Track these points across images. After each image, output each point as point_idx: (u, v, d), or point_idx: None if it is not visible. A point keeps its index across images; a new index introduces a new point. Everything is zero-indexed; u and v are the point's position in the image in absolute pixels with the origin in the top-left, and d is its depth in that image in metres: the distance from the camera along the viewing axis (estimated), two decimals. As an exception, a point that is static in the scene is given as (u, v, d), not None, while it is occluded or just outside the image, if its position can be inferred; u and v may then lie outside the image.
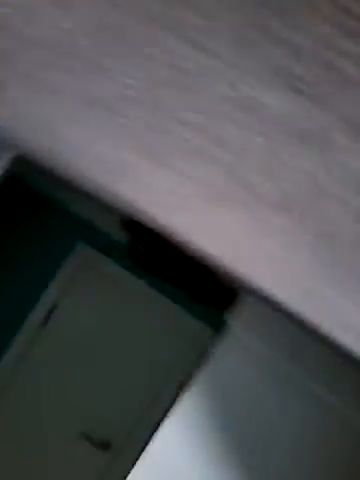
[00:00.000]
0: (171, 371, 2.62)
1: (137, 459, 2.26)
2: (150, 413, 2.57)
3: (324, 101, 0.33)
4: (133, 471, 1.83)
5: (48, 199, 2.81)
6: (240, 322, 1.68)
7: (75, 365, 2.68)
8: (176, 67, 0.38)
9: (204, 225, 0.90)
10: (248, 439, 1.69)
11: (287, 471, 1.77)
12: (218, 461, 1.74)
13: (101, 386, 2.64)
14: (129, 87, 0.48)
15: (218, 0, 0.26)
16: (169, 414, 1.82)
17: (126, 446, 2.54)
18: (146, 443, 2.25)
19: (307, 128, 0.36)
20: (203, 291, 2.16)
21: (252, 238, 0.73)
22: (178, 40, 0.34)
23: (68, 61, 0.51)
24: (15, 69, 0.65)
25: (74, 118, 0.72)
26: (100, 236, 2.73)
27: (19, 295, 2.75)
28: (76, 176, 1.71)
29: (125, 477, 2.49)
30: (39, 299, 2.72)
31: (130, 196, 1.26)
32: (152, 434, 2.21)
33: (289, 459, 1.76)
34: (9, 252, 2.80)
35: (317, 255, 0.60)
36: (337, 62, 0.28)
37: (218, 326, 2.37)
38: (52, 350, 2.70)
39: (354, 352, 1.56)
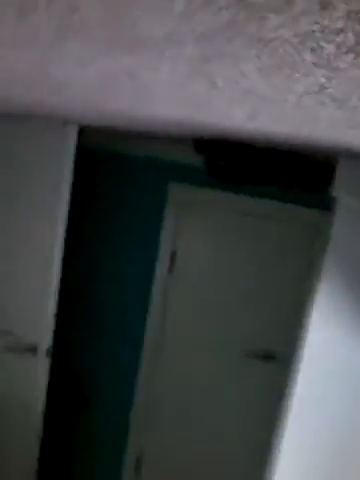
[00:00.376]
0: (300, 267, 2.56)
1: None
2: (300, 315, 2.57)
3: None
4: (298, 372, 1.86)
5: (120, 156, 2.85)
6: (345, 191, 1.55)
7: (212, 295, 2.76)
8: None
9: (269, 108, 0.82)
10: None
11: None
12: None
13: (244, 307, 2.70)
14: None
15: None
16: (311, 310, 1.78)
17: (287, 354, 2.60)
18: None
19: None
20: (299, 179, 2.02)
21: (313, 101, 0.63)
22: None
23: None
24: None
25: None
26: (184, 169, 2.71)
27: (137, 253, 2.89)
28: (139, 124, 1.69)
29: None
30: (157, 251, 2.83)
31: (195, 119, 1.20)
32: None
33: None
34: (111, 218, 2.93)
35: None
36: None
37: (326, 206, 2.23)
38: (186, 290, 2.81)
39: None
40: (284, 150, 1.87)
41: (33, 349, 2.36)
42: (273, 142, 1.56)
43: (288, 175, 2.02)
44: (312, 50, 0.44)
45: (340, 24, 0.37)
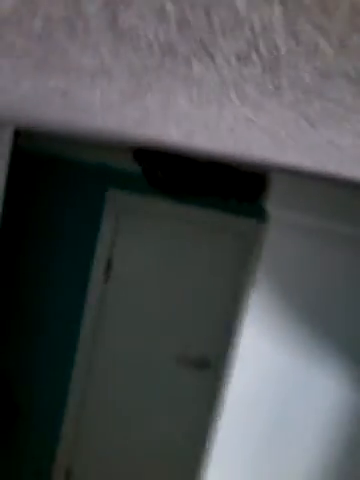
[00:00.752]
0: (235, 275, 2.63)
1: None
2: (232, 319, 2.64)
3: None
4: (228, 381, 1.91)
5: (59, 160, 2.79)
6: (276, 203, 1.61)
7: (148, 303, 2.77)
8: None
9: (203, 131, 0.83)
10: (325, 310, 1.67)
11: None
12: (302, 344, 1.76)
13: (180, 315, 2.73)
14: None
15: None
16: (244, 317, 1.84)
17: (221, 361, 2.66)
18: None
19: None
20: (235, 190, 2.08)
21: (247, 124, 0.66)
22: None
23: None
24: None
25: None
26: (120, 176, 2.70)
27: (73, 259, 2.84)
28: (80, 131, 1.66)
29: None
30: (92, 258, 2.80)
31: (131, 133, 1.20)
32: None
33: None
34: (47, 223, 2.86)
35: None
36: None
37: (261, 216, 2.31)
38: (122, 298, 2.80)
39: None
40: (221, 162, 1.91)
41: None
42: (210, 156, 1.60)
43: (224, 186, 2.07)
44: (236, 92, 0.46)
45: (258, 73, 0.39)
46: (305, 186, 1.54)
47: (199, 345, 2.72)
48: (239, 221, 2.53)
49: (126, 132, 1.29)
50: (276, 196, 1.60)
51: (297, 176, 1.60)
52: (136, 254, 2.78)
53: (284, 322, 1.78)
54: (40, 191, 2.87)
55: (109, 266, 2.80)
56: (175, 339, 2.75)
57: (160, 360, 2.78)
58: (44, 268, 2.90)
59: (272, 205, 1.61)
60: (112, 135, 1.54)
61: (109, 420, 2.90)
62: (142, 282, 2.78)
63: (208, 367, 2.71)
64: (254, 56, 0.33)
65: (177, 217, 2.66)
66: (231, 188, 2.06)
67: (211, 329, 2.70)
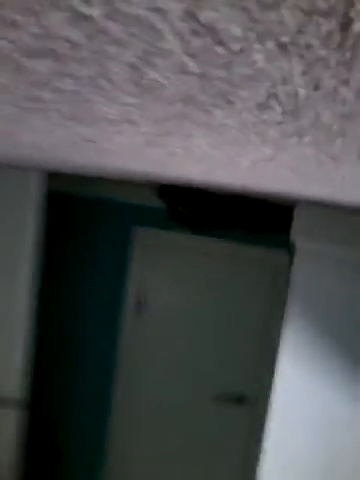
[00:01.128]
0: (267, 308, 2.60)
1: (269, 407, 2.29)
2: (268, 356, 2.59)
3: None
4: (269, 418, 1.85)
5: (85, 199, 2.86)
6: (301, 234, 1.60)
7: (181, 338, 2.74)
8: None
9: (224, 167, 0.85)
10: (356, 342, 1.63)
11: None
12: (341, 377, 1.70)
13: (214, 351, 2.69)
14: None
15: None
16: (279, 351, 1.80)
17: (259, 396, 2.60)
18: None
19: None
20: (260, 221, 2.08)
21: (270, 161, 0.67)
22: None
23: None
24: None
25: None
26: (146, 213, 2.74)
27: (104, 296, 2.86)
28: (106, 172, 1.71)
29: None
30: (123, 293, 2.81)
31: (154, 173, 1.23)
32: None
33: None
34: (78, 260, 2.90)
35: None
36: None
37: (288, 248, 2.30)
38: (155, 333, 2.79)
39: None
40: (244, 195, 1.93)
41: (2, 401, 2.27)
42: (232, 189, 1.61)
43: (249, 218, 2.07)
44: (257, 134, 0.48)
45: (278, 118, 0.40)
46: (331, 216, 1.54)
47: (234, 380, 2.67)
48: (269, 252, 2.52)
49: (149, 171, 1.32)
50: (301, 227, 1.59)
51: (323, 206, 1.60)
52: (166, 288, 2.78)
53: (321, 355, 1.73)
54: (69, 230, 2.93)
55: (140, 301, 2.81)
56: (209, 374, 2.71)
57: (196, 395, 2.73)
58: (79, 309, 2.93)
59: (298, 236, 1.61)
60: (135, 174, 1.58)
61: (147, 457, 2.84)
62: (174, 316, 2.77)
63: (244, 403, 2.64)
64: (274, 103, 0.34)
65: (205, 251, 2.67)
66: (256, 220, 2.07)
67: (246, 363, 2.65)
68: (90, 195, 2.87)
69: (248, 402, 2.64)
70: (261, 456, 1.90)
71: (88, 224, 2.89)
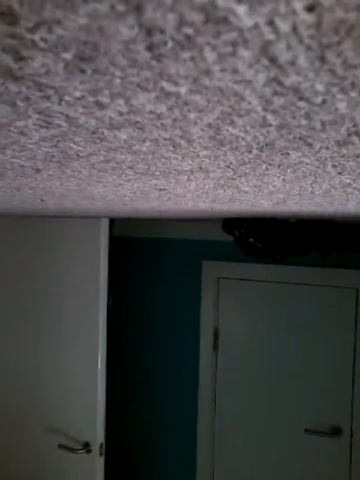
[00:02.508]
0: (352, 332, 2.47)
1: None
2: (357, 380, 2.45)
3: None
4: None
5: (151, 240, 2.93)
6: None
7: (262, 368, 2.67)
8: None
9: (296, 198, 0.85)
10: None
11: None
12: None
13: (303, 381, 2.59)
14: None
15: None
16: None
17: (355, 427, 2.45)
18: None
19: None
20: (331, 243, 2.02)
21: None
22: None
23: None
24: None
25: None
26: (213, 247, 2.75)
27: (180, 334, 2.86)
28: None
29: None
30: (199, 330, 2.80)
31: (222, 210, 1.25)
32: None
33: None
34: (151, 302, 2.95)
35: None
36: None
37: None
38: (234, 365, 2.73)
39: None
40: (313, 219, 1.89)
41: (86, 446, 2.31)
42: (301, 216, 1.59)
43: (321, 241, 2.02)
44: (334, 167, 0.47)
45: (359, 151, 0.39)
46: None
47: (328, 411, 2.54)
48: (348, 273, 2.43)
49: (216, 209, 1.33)
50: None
51: None
52: (242, 320, 2.74)
53: None
54: (138, 273, 3.00)
55: (216, 335, 2.79)
56: (301, 406, 2.60)
57: (285, 429, 2.63)
58: (154, 346, 2.96)
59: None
60: (201, 213, 1.60)
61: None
62: (252, 348, 2.71)
63: (340, 434, 2.50)
64: (355, 139, 0.34)
65: (277, 279, 2.62)
66: (329, 242, 2.01)
67: (340, 392, 2.52)
68: (156, 236, 2.93)
69: (344, 433, 2.49)
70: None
71: (156, 265, 2.95)
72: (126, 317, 3.04)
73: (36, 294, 2.49)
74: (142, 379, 2.99)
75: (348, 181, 0.58)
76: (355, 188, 0.66)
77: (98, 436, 2.30)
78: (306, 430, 2.54)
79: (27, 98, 0.28)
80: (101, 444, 2.31)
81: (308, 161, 0.44)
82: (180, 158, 0.47)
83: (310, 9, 0.16)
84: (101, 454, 2.32)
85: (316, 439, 2.55)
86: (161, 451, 2.93)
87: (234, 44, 0.19)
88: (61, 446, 2.36)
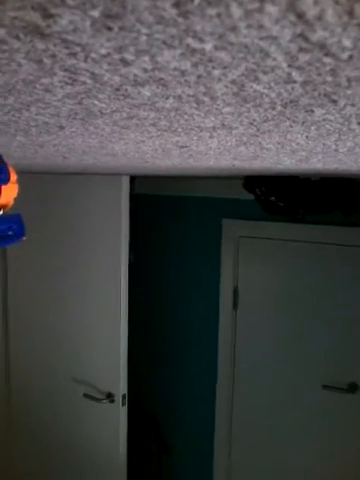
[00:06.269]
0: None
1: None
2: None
3: None
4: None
5: (171, 198, 2.93)
6: None
7: (282, 326, 2.71)
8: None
9: (319, 156, 0.84)
10: None
11: None
12: None
13: (321, 338, 2.62)
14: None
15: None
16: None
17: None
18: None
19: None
20: (353, 201, 1.99)
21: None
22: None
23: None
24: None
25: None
26: (234, 206, 2.74)
27: (201, 291, 2.91)
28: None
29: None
30: (219, 288, 2.84)
31: (244, 168, 1.24)
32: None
33: None
34: (172, 259, 2.99)
35: None
36: None
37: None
38: (254, 324, 2.78)
39: None
40: (335, 176, 1.86)
41: (110, 396, 2.42)
42: (323, 174, 1.56)
43: (343, 199, 1.99)
44: (359, 123, 0.46)
45: (385, 108, 0.39)
46: None
47: (346, 368, 2.58)
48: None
49: (237, 167, 1.32)
50: None
51: None
52: (263, 279, 2.76)
53: None
54: (159, 231, 3.03)
55: (236, 294, 2.82)
56: (318, 362, 2.64)
57: (304, 385, 2.69)
58: (174, 306, 3.02)
59: None
60: (223, 171, 1.59)
61: (257, 451, 2.86)
62: (272, 307, 2.74)
63: (357, 390, 2.55)
64: (380, 95, 0.34)
65: (298, 238, 2.61)
66: (351, 201, 1.98)
67: (357, 350, 2.55)
68: (176, 194, 2.93)
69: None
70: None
71: (176, 223, 2.96)
72: (147, 274, 3.09)
73: (62, 250, 2.55)
74: (163, 335, 3.07)
75: (373, 138, 0.57)
76: (380, 145, 0.65)
77: (121, 387, 2.40)
78: (324, 386, 2.60)
79: (53, 55, 0.29)
80: (124, 395, 2.42)
81: (332, 118, 0.44)
82: (203, 115, 0.47)
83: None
84: (124, 404, 2.42)
85: (333, 395, 2.60)
86: (182, 405, 3.05)
87: (261, 0, 0.19)
88: (86, 396, 2.48)
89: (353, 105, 0.37)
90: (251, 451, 2.88)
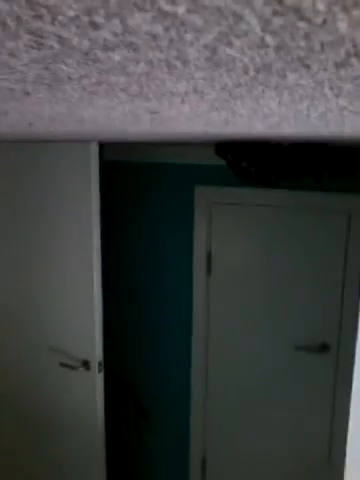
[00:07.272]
0: (345, 256, 2.54)
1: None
2: (349, 302, 2.56)
3: None
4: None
5: (142, 165, 2.90)
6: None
7: (256, 292, 2.77)
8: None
9: (291, 121, 0.83)
10: None
11: None
12: None
13: (292, 301, 2.70)
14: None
15: None
16: None
17: (342, 344, 2.60)
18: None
19: None
20: (325, 167, 2.01)
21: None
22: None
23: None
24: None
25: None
26: (206, 172, 2.73)
27: (174, 258, 2.93)
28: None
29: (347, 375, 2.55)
30: (191, 252, 2.86)
31: (214, 134, 1.23)
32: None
33: None
34: (143, 226, 2.98)
35: None
36: None
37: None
38: (228, 289, 2.83)
39: None
40: (307, 142, 1.87)
41: (86, 364, 2.44)
42: (296, 140, 1.57)
43: (315, 165, 2.01)
44: (332, 89, 0.46)
45: (357, 73, 0.39)
46: None
47: (316, 329, 2.67)
48: (341, 198, 2.44)
49: (208, 133, 1.31)
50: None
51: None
52: (236, 244, 2.79)
53: None
54: (131, 197, 3.00)
55: (209, 260, 2.85)
56: (290, 324, 2.73)
57: (277, 347, 2.78)
58: (148, 271, 3.03)
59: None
60: (194, 137, 1.58)
61: (233, 412, 2.96)
62: (245, 272, 2.79)
63: (328, 351, 2.65)
64: (354, 61, 0.34)
65: (270, 203, 2.64)
66: (323, 166, 2.00)
67: (327, 312, 2.63)
68: (146, 161, 2.89)
69: (331, 350, 2.65)
70: (351, 405, 1.92)
71: (148, 190, 2.94)
72: (120, 242, 3.09)
73: (30, 218, 2.50)
74: (137, 302, 3.09)
75: (344, 104, 0.57)
76: (351, 111, 0.66)
77: (96, 354, 2.42)
78: (297, 347, 2.69)
79: (18, 17, 0.27)
80: (100, 362, 2.44)
81: (305, 83, 0.43)
82: (175, 80, 0.46)
83: None
84: (100, 371, 2.46)
85: (306, 355, 2.70)
86: (157, 371, 3.11)
87: None
88: (62, 364, 2.50)
89: (325, 70, 0.37)
90: (227, 412, 2.98)
